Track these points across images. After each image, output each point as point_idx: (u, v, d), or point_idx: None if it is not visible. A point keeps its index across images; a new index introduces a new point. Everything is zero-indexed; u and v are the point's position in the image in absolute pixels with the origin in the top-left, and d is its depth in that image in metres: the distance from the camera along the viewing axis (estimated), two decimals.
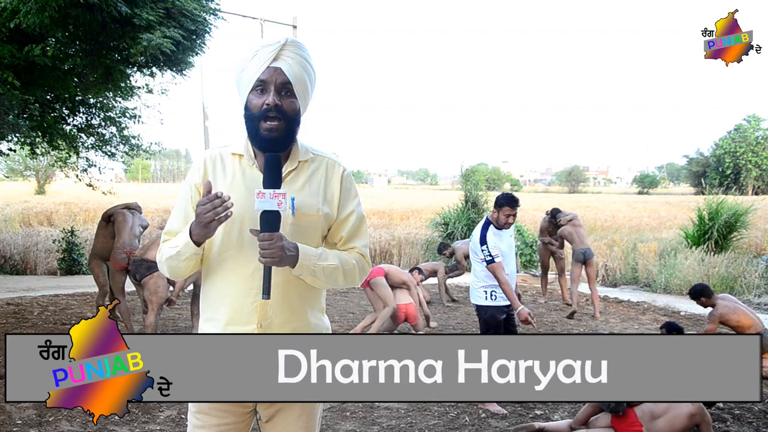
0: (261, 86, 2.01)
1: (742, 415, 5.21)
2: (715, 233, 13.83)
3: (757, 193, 59.15)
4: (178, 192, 2.19)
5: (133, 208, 7.92)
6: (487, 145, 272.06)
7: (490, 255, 5.23)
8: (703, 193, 17.25)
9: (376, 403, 5.32)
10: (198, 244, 1.99)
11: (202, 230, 1.95)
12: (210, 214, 1.90)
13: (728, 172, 71.12)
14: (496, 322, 5.28)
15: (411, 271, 8.56)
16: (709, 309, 6.67)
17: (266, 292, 1.95)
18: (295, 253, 1.98)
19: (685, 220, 17.29)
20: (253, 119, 2.03)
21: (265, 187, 1.93)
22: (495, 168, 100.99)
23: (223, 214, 1.90)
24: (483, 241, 5.29)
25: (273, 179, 1.95)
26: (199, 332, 2.16)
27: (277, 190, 1.91)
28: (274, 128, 2.01)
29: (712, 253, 12.93)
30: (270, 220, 1.92)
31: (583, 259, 9.61)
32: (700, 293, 6.59)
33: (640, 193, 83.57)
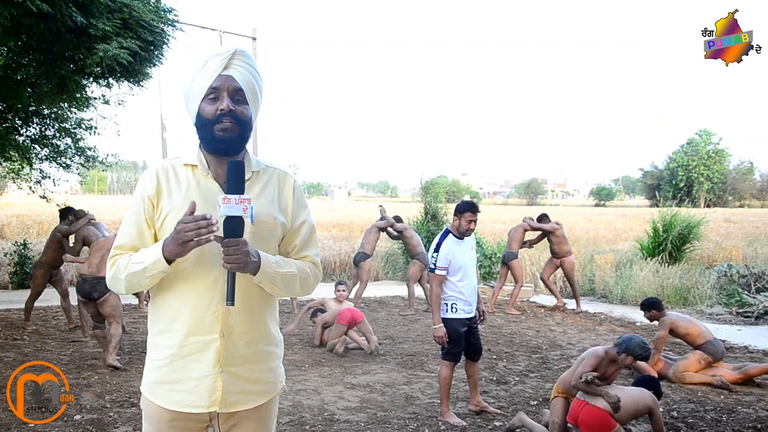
0: (214, 93, 2.04)
1: (695, 423, 5.31)
2: (669, 245, 14.13)
3: (708, 206, 60.63)
4: (128, 206, 2.16)
5: (87, 218, 8.46)
6: (446, 158, 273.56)
7: (435, 264, 5.29)
8: (658, 206, 17.59)
9: (336, 417, 5.30)
10: (170, 262, 1.96)
11: (177, 248, 1.91)
12: (192, 233, 1.88)
13: (681, 185, 72.99)
14: (457, 335, 5.29)
15: (337, 285, 8.60)
16: (655, 323, 6.94)
17: (230, 298, 1.95)
18: (258, 260, 1.98)
19: (640, 232, 17.61)
20: (207, 125, 2.04)
21: (228, 193, 1.93)
22: (455, 180, 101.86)
23: (204, 237, 1.89)
24: (436, 249, 5.34)
25: (237, 185, 1.96)
26: (153, 345, 2.13)
27: (242, 196, 1.92)
28: (228, 128, 2.03)
29: (667, 265, 13.20)
30: (234, 226, 1.92)
31: (504, 260, 10.97)
32: (653, 306, 6.78)
33: (596, 205, 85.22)
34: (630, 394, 4.57)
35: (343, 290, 8.39)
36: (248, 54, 2.12)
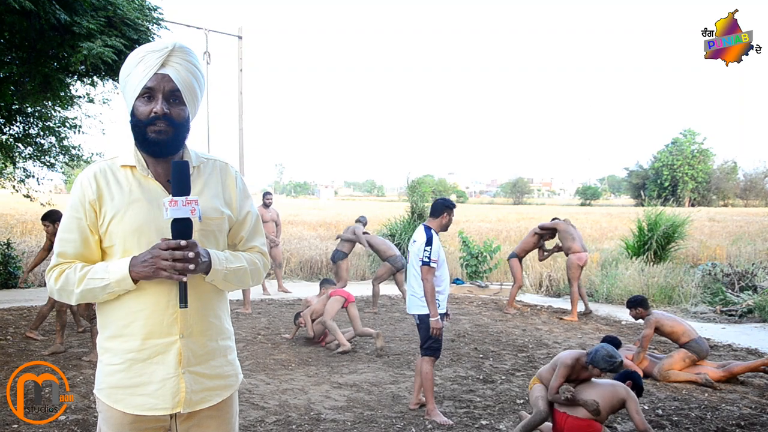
0: (148, 93, 1.98)
1: (679, 421, 5.34)
2: (654, 244, 14.23)
3: (693, 205, 61.18)
4: (65, 212, 2.07)
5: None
6: (433, 157, 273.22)
7: (429, 258, 5.23)
8: (643, 205, 17.70)
9: (322, 416, 5.29)
10: (136, 281, 1.93)
11: (148, 273, 1.90)
12: (167, 264, 1.86)
13: (666, 184, 73.53)
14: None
15: (322, 283, 8.52)
16: (640, 321, 7.01)
17: (183, 300, 1.94)
18: (208, 260, 1.97)
19: (625, 231, 17.71)
20: (140, 126, 1.99)
21: (174, 195, 1.90)
22: (441, 179, 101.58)
23: (178, 272, 1.88)
24: (429, 242, 5.27)
25: (182, 186, 1.93)
26: (105, 350, 2.07)
27: (189, 198, 1.89)
28: (162, 131, 1.98)
29: (652, 264, 13.30)
30: (183, 228, 1.90)
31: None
32: (639, 303, 6.83)
33: (582, 204, 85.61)
34: (603, 392, 4.59)
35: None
36: (188, 49, 2.06)
